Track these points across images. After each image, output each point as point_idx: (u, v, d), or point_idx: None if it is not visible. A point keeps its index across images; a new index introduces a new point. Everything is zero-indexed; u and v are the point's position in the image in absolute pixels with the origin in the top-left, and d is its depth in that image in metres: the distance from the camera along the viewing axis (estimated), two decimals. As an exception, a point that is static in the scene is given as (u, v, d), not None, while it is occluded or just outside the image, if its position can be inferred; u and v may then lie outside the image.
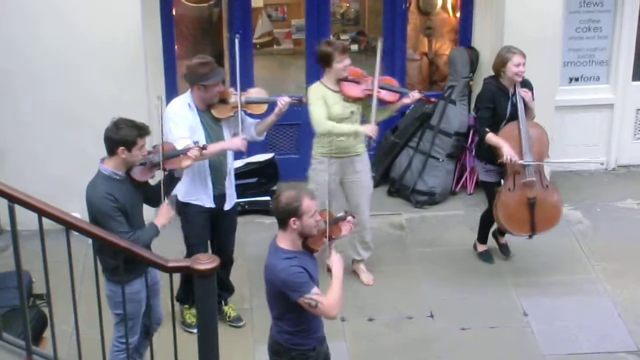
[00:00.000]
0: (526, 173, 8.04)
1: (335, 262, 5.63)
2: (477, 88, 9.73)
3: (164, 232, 6.38)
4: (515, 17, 8.95)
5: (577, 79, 10.01)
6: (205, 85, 7.12)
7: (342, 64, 7.74)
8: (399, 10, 9.76)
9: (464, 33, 9.91)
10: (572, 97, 9.81)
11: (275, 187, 9.38)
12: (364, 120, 7.92)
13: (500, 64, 7.99)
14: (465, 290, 8.25)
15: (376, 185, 9.00)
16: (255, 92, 7.50)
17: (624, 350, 7.50)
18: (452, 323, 7.82)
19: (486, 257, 8.63)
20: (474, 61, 9.77)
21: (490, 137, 7.95)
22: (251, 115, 7.47)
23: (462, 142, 9.77)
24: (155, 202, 6.57)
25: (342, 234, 5.98)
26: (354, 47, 10.74)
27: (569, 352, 7.46)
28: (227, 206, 7.46)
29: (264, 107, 7.44)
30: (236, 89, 7.31)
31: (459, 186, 9.86)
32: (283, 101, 7.39)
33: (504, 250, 8.70)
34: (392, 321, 7.86)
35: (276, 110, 7.39)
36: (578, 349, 7.50)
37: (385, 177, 9.87)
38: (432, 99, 8.74)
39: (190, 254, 7.06)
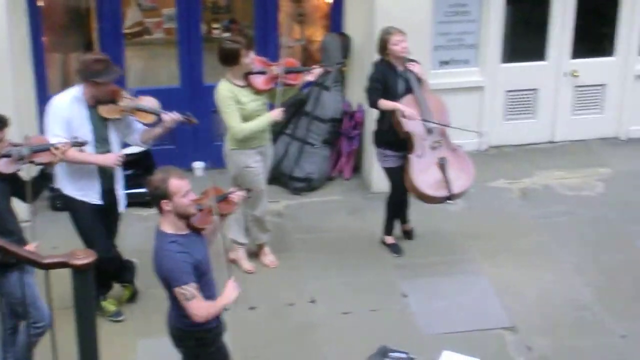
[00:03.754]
0: (431, 136, 8.08)
1: (229, 290, 5.67)
2: (351, 74, 9.82)
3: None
4: (386, 2, 9.03)
5: (447, 63, 10.16)
6: (97, 83, 7.01)
7: (249, 59, 7.71)
8: (270, -3, 9.77)
9: (335, 19, 9.97)
10: (444, 81, 9.95)
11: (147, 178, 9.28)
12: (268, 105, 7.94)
13: (383, 46, 8.06)
14: (346, 274, 8.31)
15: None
16: (147, 101, 7.42)
17: (500, 327, 7.66)
18: (334, 308, 7.87)
19: (396, 248, 8.66)
20: (346, 47, 9.83)
21: (383, 102, 7.98)
22: (138, 122, 7.42)
23: (337, 128, 9.83)
24: (24, 197, 6.45)
25: (233, 209, 5.97)
26: (227, 35, 10.68)
27: (447, 331, 7.57)
28: (121, 207, 7.44)
29: (153, 117, 7.37)
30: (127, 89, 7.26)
31: (335, 172, 9.91)
32: (169, 118, 7.32)
33: (409, 236, 8.78)
34: (274, 309, 7.87)
35: (164, 124, 7.34)
36: (456, 327, 7.63)
37: (262, 165, 9.87)
38: (330, 69, 8.84)
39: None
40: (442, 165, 8.10)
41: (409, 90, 8.03)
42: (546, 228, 9.04)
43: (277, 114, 7.79)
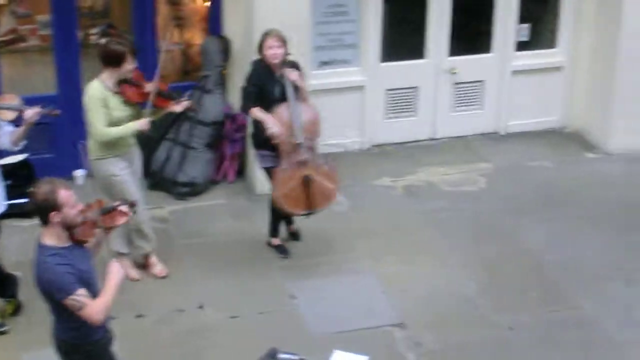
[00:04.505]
0: (299, 151, 8.07)
1: (113, 271, 5.54)
2: (232, 77, 9.77)
3: None
4: (265, 3, 9.01)
5: (327, 63, 10.18)
6: None
7: (131, 66, 7.58)
8: (147, 2, 9.63)
9: (214, 22, 9.90)
10: (325, 81, 9.97)
11: (31, 189, 9.06)
12: None
13: (260, 47, 8.03)
14: (233, 278, 8.26)
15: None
16: (6, 99, 7.24)
17: (389, 324, 7.71)
18: (222, 312, 7.81)
19: (282, 250, 8.62)
20: (226, 50, 9.78)
21: (255, 112, 7.97)
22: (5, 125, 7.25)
23: (220, 131, 9.77)
24: None
25: (117, 224, 5.86)
26: (105, 40, 10.51)
27: (337, 330, 7.59)
28: None
29: (14, 113, 7.20)
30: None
31: (219, 175, 9.85)
32: (31, 112, 7.17)
33: (296, 237, 8.75)
34: (162, 316, 7.77)
35: (27, 120, 7.18)
36: (346, 326, 7.65)
37: (145, 171, 9.72)
38: (195, 107, 8.78)
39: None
40: (306, 183, 8.13)
41: (285, 97, 8.02)
42: (430, 224, 9.13)
43: (143, 123, 7.67)
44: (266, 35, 8.01)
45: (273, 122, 7.90)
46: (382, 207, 9.43)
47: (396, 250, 8.69)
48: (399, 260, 8.55)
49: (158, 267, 8.30)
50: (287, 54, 8.04)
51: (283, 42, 7.99)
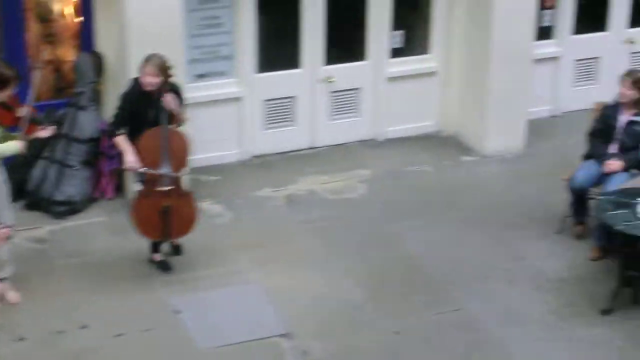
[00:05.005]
0: (162, 181, 8.04)
1: None
2: (106, 92, 9.64)
3: None
4: (137, 17, 8.90)
5: (203, 76, 10.13)
6: None
7: (9, 92, 7.45)
8: (16, 19, 9.43)
9: (86, 38, 9.75)
10: (202, 94, 9.91)
11: None
12: None
13: (140, 69, 7.97)
14: (116, 296, 8.13)
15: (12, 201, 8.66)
16: None
17: (276, 335, 7.69)
18: (106, 331, 7.68)
19: (165, 265, 8.52)
20: (99, 66, 9.64)
21: (118, 141, 7.94)
22: None
23: (97, 148, 9.62)
24: None
25: None
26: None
27: (224, 343, 7.55)
28: None
29: None
30: None
31: (98, 192, 9.69)
32: None
33: (178, 251, 8.66)
34: (43, 338, 7.60)
35: None
36: (233, 339, 7.61)
37: (21, 191, 9.51)
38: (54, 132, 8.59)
39: None
40: (164, 213, 8.09)
41: (158, 119, 7.98)
42: (314, 233, 9.15)
43: (20, 145, 7.55)
44: (145, 61, 7.94)
45: (132, 156, 7.88)
46: (264, 217, 9.41)
47: (280, 260, 8.68)
48: (284, 270, 8.54)
49: (11, 294, 8.06)
50: (167, 78, 7.98)
51: (161, 70, 7.92)
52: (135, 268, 8.52)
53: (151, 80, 7.91)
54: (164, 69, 7.96)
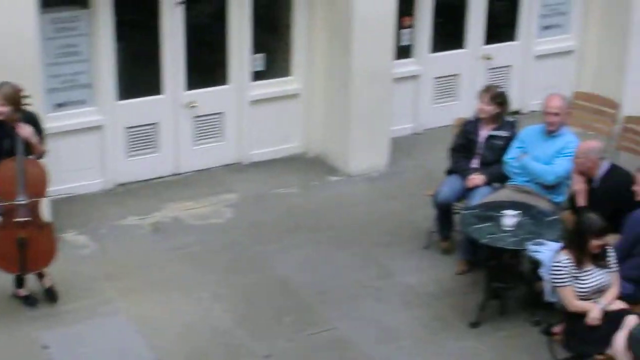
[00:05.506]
0: (18, 212, 7.84)
1: None
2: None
3: None
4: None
5: (63, 105, 9.93)
6: None
7: None
8: None
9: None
10: (62, 123, 9.71)
11: None
12: None
13: None
14: (-22, 334, 7.89)
15: None
16: None
17: (148, 364, 7.60)
18: (-31, 371, 7.44)
19: (30, 300, 8.28)
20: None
21: None
22: None
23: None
24: None
25: None
26: None
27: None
28: None
29: None
30: None
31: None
32: None
33: (52, 296, 8.38)
34: None
35: None
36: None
37: None
38: None
39: None
40: (20, 245, 7.92)
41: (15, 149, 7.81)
42: (181, 260, 9.04)
43: None
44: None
45: None
46: (130, 246, 9.25)
47: (148, 289, 8.55)
48: (152, 299, 8.41)
49: None
50: (18, 107, 7.78)
51: (10, 99, 7.73)
52: (0, 304, 8.29)
53: (0, 110, 7.72)
54: (14, 98, 7.77)
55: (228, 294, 8.53)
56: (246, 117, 10.74)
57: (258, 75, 10.72)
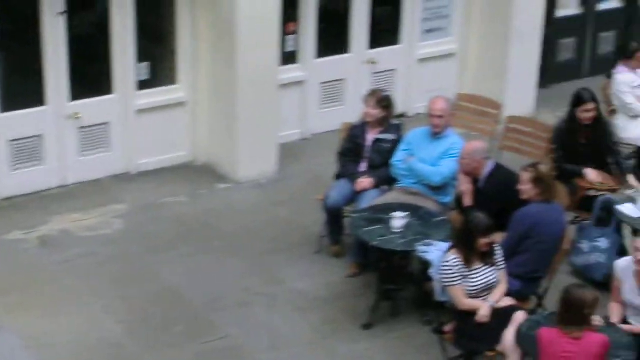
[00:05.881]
0: None
1: None
2: None
3: None
4: None
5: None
6: None
7: None
8: None
9: None
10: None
11: None
12: None
13: None
14: None
15: None
16: None
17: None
18: None
19: None
20: None
21: None
22: None
23: None
24: None
25: None
26: None
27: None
28: None
29: None
30: None
31: None
32: None
33: None
34: None
35: None
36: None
37: None
38: None
39: None
40: None
41: None
42: (70, 273, 8.90)
43: None
44: None
45: None
46: (16, 261, 9.06)
47: (36, 304, 8.39)
48: (41, 314, 8.26)
49: None
50: None
51: None
52: None
53: None
54: None
55: (118, 305, 8.43)
56: (132, 126, 10.63)
57: (143, 84, 10.62)
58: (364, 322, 8.32)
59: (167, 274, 8.93)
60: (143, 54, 10.50)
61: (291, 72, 11.28)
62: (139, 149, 10.72)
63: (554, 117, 11.32)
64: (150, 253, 9.25)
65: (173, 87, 10.81)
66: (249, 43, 10.25)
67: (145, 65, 10.57)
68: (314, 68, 11.47)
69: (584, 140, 9.46)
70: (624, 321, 7.41)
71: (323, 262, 9.19)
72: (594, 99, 9.49)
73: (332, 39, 11.58)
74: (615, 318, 7.40)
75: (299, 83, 11.44)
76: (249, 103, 10.42)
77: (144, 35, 10.45)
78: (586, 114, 9.43)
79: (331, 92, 11.70)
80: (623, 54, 10.74)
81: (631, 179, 9.27)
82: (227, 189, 10.56)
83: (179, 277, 8.89)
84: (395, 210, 8.38)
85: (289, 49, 11.24)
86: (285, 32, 11.03)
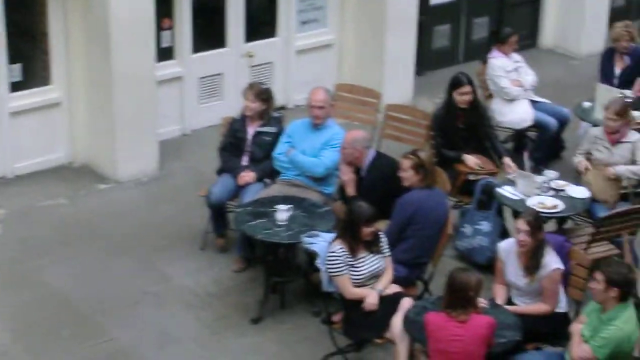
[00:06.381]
0: None
1: None
2: None
3: None
4: None
5: None
6: None
7: None
8: None
9: None
10: None
11: None
12: None
13: None
14: None
15: None
16: None
17: None
18: None
19: None
20: None
21: None
22: None
23: None
24: None
25: None
26: None
27: None
28: None
29: None
30: None
31: None
32: None
33: None
34: None
35: None
36: None
37: None
38: None
39: None
40: None
41: None
42: (-51, 282, 8.69)
43: None
44: None
45: None
46: None
47: None
48: None
49: None
50: None
51: None
52: None
53: None
54: None
55: (3, 312, 8.25)
56: (6, 129, 10.36)
57: (16, 86, 10.38)
58: (253, 316, 8.31)
59: (52, 278, 8.77)
60: (15, 55, 10.26)
61: (168, 68, 11.17)
62: (15, 152, 10.48)
63: (431, 103, 11.47)
64: (33, 258, 9.07)
65: (47, 87, 10.59)
66: (123, 40, 10.11)
67: (17, 66, 10.33)
68: (191, 63, 11.38)
69: (462, 125, 9.60)
70: (509, 302, 7.57)
71: (210, 258, 9.15)
72: (470, 82, 9.64)
73: (209, 33, 11.51)
74: (499, 299, 7.55)
75: (176, 79, 11.33)
76: (126, 101, 10.29)
77: (16, 36, 10.21)
78: (463, 96, 9.56)
79: (210, 87, 11.64)
80: (497, 39, 10.94)
81: (508, 161, 9.46)
82: (108, 189, 10.40)
83: (64, 280, 8.74)
84: (279, 203, 8.39)
85: (165, 44, 11.12)
86: (160, 28, 10.91)
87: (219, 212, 9.11)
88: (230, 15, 11.52)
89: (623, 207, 8.78)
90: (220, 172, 9.26)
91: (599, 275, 6.81)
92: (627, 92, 10.50)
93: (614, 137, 9.18)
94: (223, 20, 11.54)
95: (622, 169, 9.08)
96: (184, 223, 9.65)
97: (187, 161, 10.91)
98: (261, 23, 11.87)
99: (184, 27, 11.21)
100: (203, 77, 11.55)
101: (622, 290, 6.77)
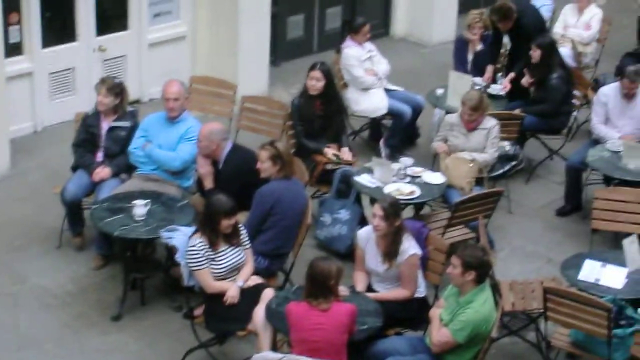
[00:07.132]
0: None
1: None
2: None
3: None
4: None
5: None
6: None
7: None
8: None
9: None
10: None
11: None
12: None
13: None
14: None
15: None
16: None
17: None
18: None
19: None
20: None
21: None
22: None
23: None
24: None
25: None
26: None
27: None
28: None
29: None
30: None
31: None
32: None
33: None
34: None
35: None
36: None
37: None
38: None
39: None
40: None
41: None
42: None
43: None
44: None
45: None
46: None
47: None
48: None
49: None
50: None
51: None
52: None
53: None
54: None
55: None
56: None
57: None
58: (113, 314, 8.20)
59: None
60: None
61: (17, 64, 10.88)
62: None
63: (287, 94, 11.50)
64: None
65: None
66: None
67: None
68: (41, 58, 11.11)
69: (319, 112, 9.64)
70: (369, 289, 7.65)
71: (67, 256, 8.98)
72: (324, 71, 9.65)
73: (59, 27, 11.26)
74: (360, 286, 7.63)
75: (26, 75, 11.05)
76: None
77: None
78: (312, 82, 9.59)
79: (61, 82, 11.39)
80: (350, 29, 11.02)
81: (345, 151, 9.55)
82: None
83: None
84: (136, 198, 8.29)
85: (13, 40, 10.84)
86: (7, 23, 10.63)
87: (74, 210, 8.94)
88: (81, 9, 11.29)
89: (477, 191, 8.98)
90: (74, 168, 9.08)
91: (455, 260, 6.95)
92: (477, 80, 10.75)
93: (471, 125, 9.37)
94: (73, 13, 11.29)
95: (476, 157, 9.26)
96: (39, 222, 9.44)
97: (41, 158, 10.66)
98: (112, 16, 11.68)
99: (33, 21, 10.92)
100: (54, 73, 11.30)
101: (478, 273, 6.92)
